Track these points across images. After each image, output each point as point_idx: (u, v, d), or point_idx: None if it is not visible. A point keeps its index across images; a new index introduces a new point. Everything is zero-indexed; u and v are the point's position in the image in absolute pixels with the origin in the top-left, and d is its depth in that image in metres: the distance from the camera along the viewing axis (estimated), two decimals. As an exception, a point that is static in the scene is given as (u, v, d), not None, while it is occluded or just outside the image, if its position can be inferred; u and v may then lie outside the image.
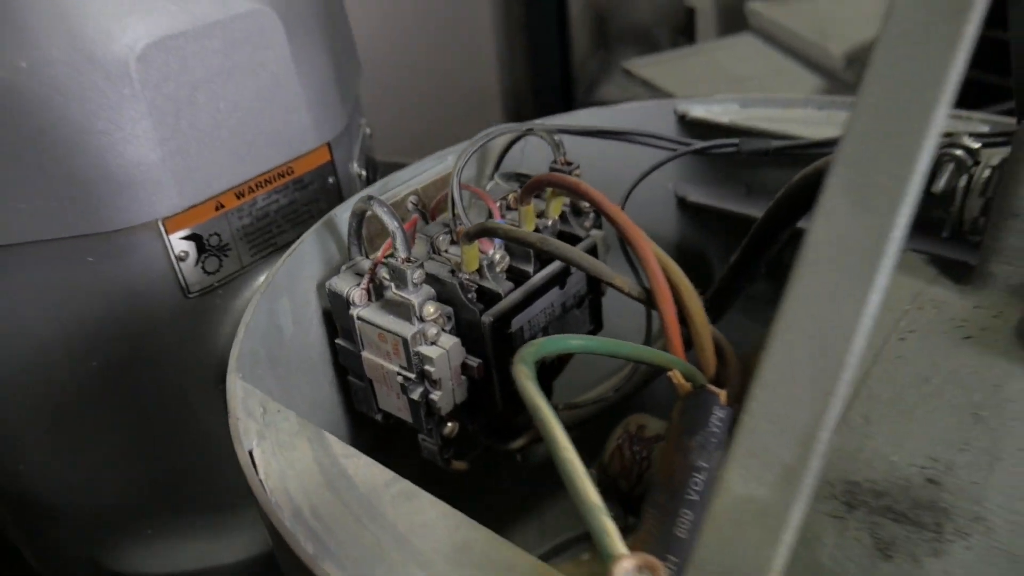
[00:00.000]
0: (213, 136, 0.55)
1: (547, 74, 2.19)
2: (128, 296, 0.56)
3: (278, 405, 0.37)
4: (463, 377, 0.47)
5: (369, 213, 0.47)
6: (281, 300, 0.45)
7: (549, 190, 0.50)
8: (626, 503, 0.48)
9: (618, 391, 0.52)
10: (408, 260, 0.45)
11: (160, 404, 0.61)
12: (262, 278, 0.60)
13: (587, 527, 0.27)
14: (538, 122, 0.55)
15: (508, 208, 0.51)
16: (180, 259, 0.56)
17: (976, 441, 0.30)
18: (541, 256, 0.49)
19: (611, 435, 0.50)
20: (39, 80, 0.50)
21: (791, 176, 0.43)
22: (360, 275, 0.48)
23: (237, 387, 0.37)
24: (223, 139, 0.56)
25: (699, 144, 0.52)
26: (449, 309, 0.46)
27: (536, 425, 0.29)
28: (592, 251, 0.50)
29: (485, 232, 0.43)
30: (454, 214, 0.47)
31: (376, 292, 0.47)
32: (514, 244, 0.47)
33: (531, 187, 0.47)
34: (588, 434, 0.51)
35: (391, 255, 0.45)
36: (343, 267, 0.48)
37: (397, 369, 0.47)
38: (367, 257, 0.49)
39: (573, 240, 0.51)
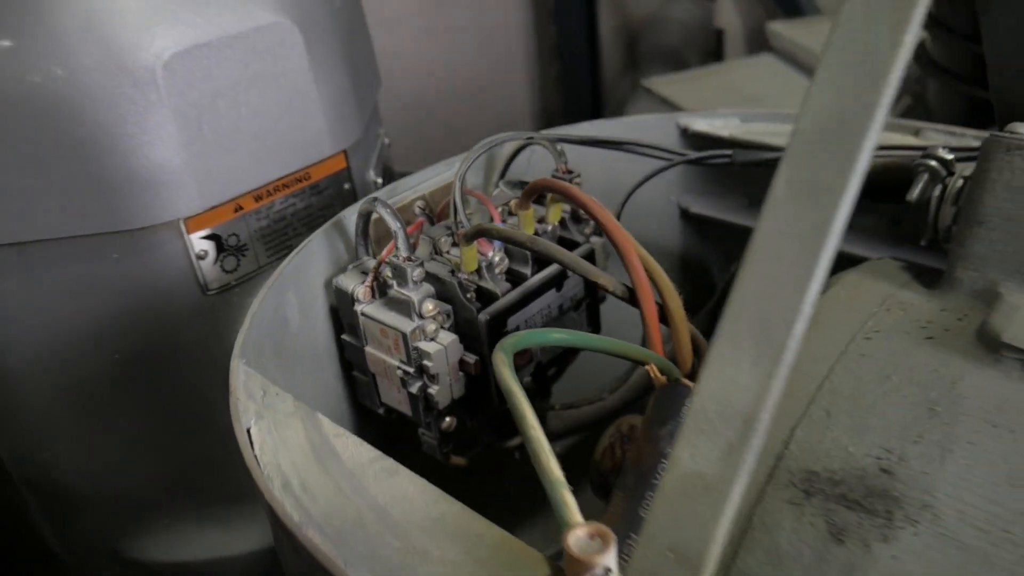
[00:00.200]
0: (233, 141, 0.58)
1: (577, 95, 2.21)
2: (150, 292, 0.59)
3: (277, 389, 0.39)
4: (460, 373, 0.49)
5: (375, 215, 0.49)
6: (288, 294, 0.48)
7: (549, 197, 0.52)
8: (615, 499, 0.50)
9: (612, 392, 0.54)
10: (409, 259, 0.47)
11: (177, 398, 0.64)
12: (276, 277, 0.63)
13: (549, 499, 0.29)
14: (544, 132, 0.57)
15: (510, 213, 0.53)
16: (200, 257, 0.59)
17: (929, 434, 0.31)
18: (539, 260, 0.51)
19: (604, 434, 0.51)
20: (72, 86, 0.53)
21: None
22: (365, 273, 0.50)
23: (240, 370, 0.39)
24: (243, 144, 0.59)
25: (694, 154, 0.54)
26: (448, 307, 0.49)
27: (510, 408, 0.31)
28: (589, 256, 0.52)
29: (480, 233, 0.46)
30: (455, 217, 0.50)
31: (380, 290, 0.50)
32: (513, 247, 0.50)
33: (529, 192, 0.49)
34: (592, 439, 0.52)
35: (395, 255, 0.48)
36: (350, 266, 0.51)
37: (397, 363, 0.49)
38: (373, 257, 0.51)
39: (572, 245, 0.53)
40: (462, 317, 0.49)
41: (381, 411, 0.53)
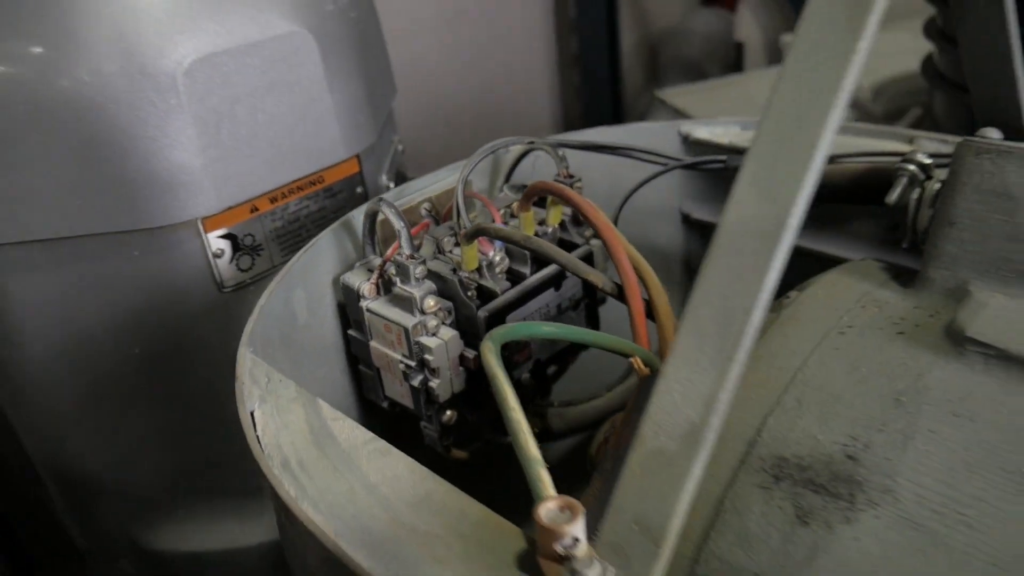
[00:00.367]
0: (250, 145, 0.61)
1: (598, 106, 2.23)
2: (168, 289, 0.62)
3: (281, 376, 0.41)
4: (460, 368, 0.51)
5: (381, 216, 0.52)
6: (297, 290, 0.50)
7: (549, 200, 0.54)
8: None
9: (611, 390, 0.56)
10: (411, 257, 0.49)
11: (193, 392, 0.66)
12: (290, 277, 0.65)
13: (525, 475, 0.30)
14: (547, 138, 0.59)
15: (512, 215, 0.55)
16: (216, 256, 0.62)
17: (894, 423, 0.33)
18: (538, 260, 0.52)
19: (599, 430, 0.53)
20: (98, 91, 0.56)
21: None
22: (372, 271, 0.52)
23: (246, 358, 0.42)
24: (259, 148, 0.61)
25: (689, 159, 0.56)
26: (449, 304, 0.51)
27: (493, 391, 0.33)
28: (587, 258, 0.54)
29: (479, 232, 0.48)
30: (458, 218, 0.52)
31: (385, 287, 0.52)
32: (514, 248, 0.52)
33: (528, 194, 0.51)
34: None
35: (399, 253, 0.50)
36: (357, 264, 0.53)
37: (400, 357, 0.51)
38: (379, 255, 0.53)
39: (571, 247, 0.55)
40: (462, 314, 0.51)
41: (385, 405, 0.55)
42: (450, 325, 0.51)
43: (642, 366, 0.39)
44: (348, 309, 0.53)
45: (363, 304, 0.51)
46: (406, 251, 0.49)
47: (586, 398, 0.58)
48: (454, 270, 0.51)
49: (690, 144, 0.63)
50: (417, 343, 0.50)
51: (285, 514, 0.34)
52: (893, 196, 0.40)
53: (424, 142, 1.77)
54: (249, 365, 0.41)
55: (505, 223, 0.54)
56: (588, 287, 0.55)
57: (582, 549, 0.27)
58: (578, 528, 0.27)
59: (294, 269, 0.50)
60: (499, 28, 2.04)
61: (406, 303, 0.50)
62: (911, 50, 0.96)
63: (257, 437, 0.37)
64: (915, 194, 0.40)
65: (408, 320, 0.49)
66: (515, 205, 0.55)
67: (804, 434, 0.34)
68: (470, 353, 0.50)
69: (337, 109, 0.65)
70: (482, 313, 0.50)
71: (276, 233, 0.65)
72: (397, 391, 0.53)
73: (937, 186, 0.40)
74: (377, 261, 0.52)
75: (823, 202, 0.48)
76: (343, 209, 0.68)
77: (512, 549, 0.30)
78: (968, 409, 0.32)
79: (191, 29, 0.57)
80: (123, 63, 0.56)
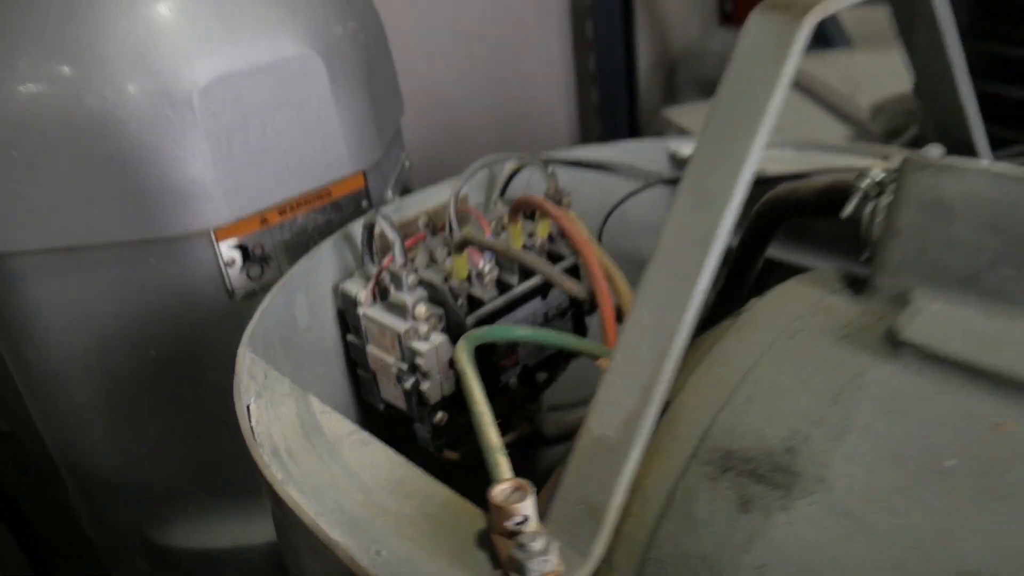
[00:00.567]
0: (260, 160, 0.65)
1: (615, 125, 2.26)
2: (181, 295, 0.66)
3: (277, 373, 0.44)
4: (450, 371, 0.54)
5: (378, 228, 0.55)
6: (298, 295, 0.53)
7: (537, 213, 0.57)
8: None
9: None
10: (404, 266, 0.52)
11: (203, 394, 0.70)
12: (297, 286, 0.69)
13: (485, 461, 0.33)
14: (538, 154, 0.62)
15: (502, 228, 0.58)
16: (228, 265, 0.65)
17: (830, 418, 0.35)
18: (526, 270, 0.56)
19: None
20: (120, 109, 0.60)
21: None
22: (369, 279, 0.55)
23: (246, 356, 0.45)
24: (269, 163, 0.65)
25: (668, 175, 0.59)
26: (440, 310, 0.54)
27: (461, 386, 0.36)
28: (573, 269, 0.57)
29: (466, 242, 0.51)
30: (450, 230, 0.55)
31: (381, 294, 0.55)
32: (502, 258, 0.55)
33: (515, 208, 0.54)
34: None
35: (394, 263, 0.53)
36: (356, 272, 0.56)
37: (393, 361, 0.54)
38: (377, 265, 0.57)
39: (558, 258, 0.58)
40: (452, 320, 0.54)
41: (381, 407, 0.58)
42: (441, 331, 0.54)
43: (608, 366, 0.42)
44: (347, 315, 0.57)
45: (360, 310, 0.55)
46: (399, 261, 0.52)
47: (579, 404, 0.60)
48: (445, 279, 0.54)
49: (677, 161, 0.66)
50: (409, 347, 0.53)
51: (272, 496, 0.37)
52: (847, 210, 0.43)
53: (441, 161, 1.81)
54: (248, 363, 0.44)
55: (496, 235, 0.57)
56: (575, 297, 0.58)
57: (531, 526, 0.30)
58: (528, 507, 0.30)
59: (295, 275, 0.53)
60: (517, 48, 2.09)
61: (399, 310, 0.53)
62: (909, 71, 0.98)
63: (251, 428, 0.40)
64: (868, 208, 0.43)
65: (401, 325, 0.53)
66: (505, 218, 0.58)
67: (750, 429, 0.36)
68: (459, 357, 0.53)
69: (344, 127, 0.69)
70: (470, 320, 0.53)
71: (285, 244, 0.68)
72: (391, 394, 0.57)
73: (888, 200, 0.42)
74: (374, 270, 0.56)
75: (793, 215, 0.51)
76: (349, 222, 0.72)
77: (473, 528, 0.33)
78: (899, 406, 0.35)
79: (207, 51, 0.61)
80: (144, 83, 0.60)
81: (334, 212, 0.71)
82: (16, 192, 0.61)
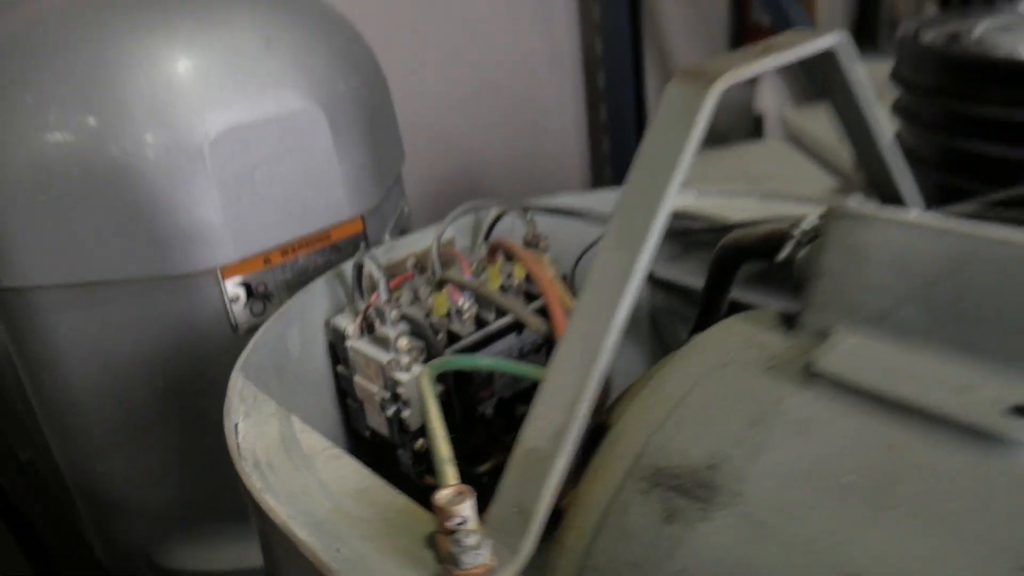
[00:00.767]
0: (265, 205, 0.70)
1: (626, 171, 2.32)
2: (189, 329, 0.71)
3: (265, 396, 0.49)
4: (431, 400, 0.58)
5: (367, 268, 0.60)
6: (291, 328, 0.58)
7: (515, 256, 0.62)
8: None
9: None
10: (388, 302, 0.57)
11: (208, 424, 0.74)
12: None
13: (435, 471, 0.38)
14: (519, 201, 0.67)
15: (483, 269, 0.63)
16: (232, 301, 0.71)
17: (749, 440, 0.39)
18: (500, 307, 0.60)
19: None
20: (139, 158, 0.66)
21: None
22: (358, 315, 0.60)
23: (238, 380, 0.50)
24: (273, 207, 0.71)
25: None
26: (421, 343, 0.58)
27: (422, 408, 0.41)
28: (544, 309, 0.61)
29: (444, 281, 0.56)
30: (433, 270, 0.60)
31: (368, 328, 0.60)
32: (479, 296, 0.59)
33: (491, 250, 0.59)
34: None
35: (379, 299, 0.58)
36: (346, 308, 0.61)
37: (377, 390, 0.58)
38: (364, 301, 0.61)
39: (533, 297, 0.62)
40: (432, 353, 0.58)
41: (367, 434, 0.63)
42: (422, 363, 0.58)
43: (562, 394, 0.46)
44: (337, 347, 0.61)
45: (348, 343, 0.60)
46: (383, 297, 0.57)
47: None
48: (427, 315, 0.59)
49: (652, 209, 0.70)
50: (391, 377, 0.57)
51: (252, 503, 0.41)
52: (782, 255, 0.47)
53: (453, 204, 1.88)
54: (239, 387, 0.49)
55: (476, 275, 0.62)
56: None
57: (469, 526, 0.34)
58: (467, 509, 0.34)
59: (290, 309, 0.58)
60: (531, 99, 2.16)
61: (383, 342, 0.58)
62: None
63: (237, 444, 0.45)
64: (801, 253, 0.47)
65: (384, 357, 0.57)
66: (485, 260, 0.63)
67: (678, 449, 0.40)
68: (438, 386, 0.58)
69: (344, 175, 0.74)
70: (448, 352, 0.57)
71: (286, 283, 0.73)
72: (376, 421, 0.61)
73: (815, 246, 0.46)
74: (362, 306, 0.61)
75: (743, 260, 0.56)
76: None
77: (423, 530, 0.37)
78: (809, 429, 0.39)
79: (218, 105, 0.67)
80: (160, 135, 0.66)
81: (333, 254, 0.76)
82: (41, 231, 0.67)
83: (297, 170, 0.71)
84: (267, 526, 0.40)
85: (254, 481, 0.41)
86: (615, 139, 2.29)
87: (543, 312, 0.60)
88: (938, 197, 0.89)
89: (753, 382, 0.42)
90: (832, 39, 0.42)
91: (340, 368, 0.62)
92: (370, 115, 0.78)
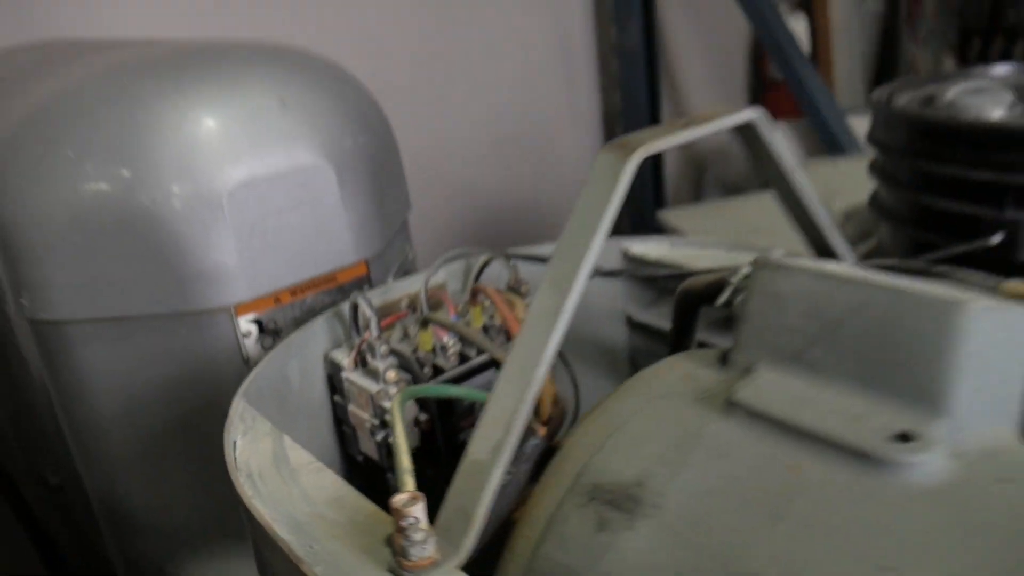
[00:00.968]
0: (276, 249, 0.77)
1: (644, 222, 2.39)
2: (205, 361, 0.78)
3: (262, 418, 0.55)
4: (415, 428, 0.65)
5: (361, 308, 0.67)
6: (292, 360, 0.65)
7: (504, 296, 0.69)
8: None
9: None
10: (378, 338, 0.64)
11: (219, 448, 0.81)
12: (304, 356, 0.80)
13: (397, 479, 0.44)
14: (504, 250, 0.74)
15: (467, 310, 0.69)
16: (244, 336, 0.78)
17: (673, 459, 0.45)
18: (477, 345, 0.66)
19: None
20: (164, 205, 0.74)
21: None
22: (353, 349, 0.67)
23: (240, 404, 0.56)
24: (283, 252, 0.78)
25: (606, 268, 0.70)
26: (408, 376, 0.65)
27: (391, 429, 0.47)
28: (525, 345, 0.68)
29: (427, 320, 0.62)
30: (420, 310, 0.66)
31: (361, 362, 0.66)
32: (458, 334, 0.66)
33: (473, 293, 0.65)
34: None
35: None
36: (343, 343, 0.68)
37: (368, 417, 0.65)
38: (359, 337, 0.68)
39: (511, 337, 0.68)
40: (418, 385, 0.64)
41: (360, 458, 0.69)
42: (409, 393, 0.65)
43: (521, 420, 0.52)
44: (334, 379, 0.68)
45: (343, 374, 0.66)
46: (374, 334, 0.64)
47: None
48: (414, 350, 0.65)
49: (628, 257, 0.77)
50: (380, 406, 0.64)
51: (243, 508, 0.47)
52: (720, 300, 0.53)
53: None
54: (240, 410, 0.56)
55: (462, 316, 0.69)
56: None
57: (420, 525, 0.40)
58: (418, 511, 0.40)
59: (291, 343, 0.65)
60: (551, 150, 2.24)
61: (374, 374, 0.64)
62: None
63: (234, 459, 0.51)
64: (738, 298, 0.53)
65: (374, 387, 0.64)
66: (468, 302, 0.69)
67: (613, 468, 0.46)
68: (422, 416, 0.64)
69: (349, 223, 0.82)
70: (432, 384, 0.63)
71: (295, 321, 0.80)
72: (367, 446, 0.67)
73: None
74: (357, 341, 0.67)
75: (697, 304, 0.62)
76: (351, 303, 0.84)
77: (385, 531, 0.43)
78: (724, 451, 0.44)
79: (236, 160, 0.75)
80: (184, 186, 0.74)
81: (339, 294, 0.83)
82: (76, 270, 0.75)
83: (306, 219, 0.79)
84: (255, 527, 0.46)
85: (246, 490, 0.48)
86: (631, 191, 2.36)
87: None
88: (911, 251, 0.95)
89: (683, 411, 0.48)
90: (749, 114, 0.48)
91: (336, 397, 0.68)
92: (376, 169, 0.86)
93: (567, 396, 0.68)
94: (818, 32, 2.94)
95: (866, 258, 1.04)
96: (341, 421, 0.70)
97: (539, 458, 0.50)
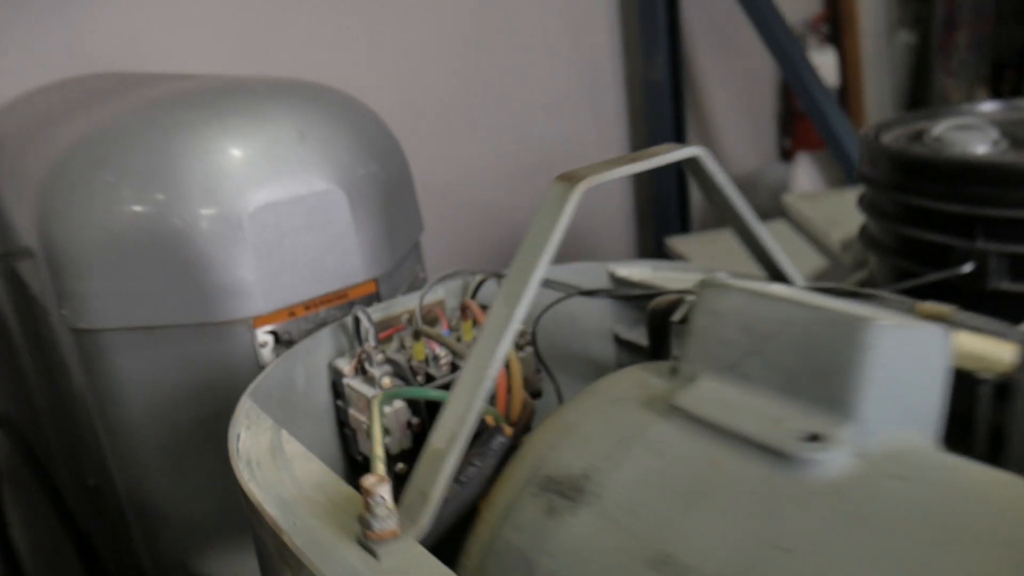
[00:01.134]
0: (292, 267, 0.85)
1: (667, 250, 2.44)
2: (224, 369, 0.85)
3: (265, 415, 0.62)
4: (408, 430, 0.71)
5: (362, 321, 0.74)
6: (297, 365, 0.72)
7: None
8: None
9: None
10: (375, 348, 0.70)
11: (239, 448, 0.88)
12: (315, 366, 0.87)
13: (371, 465, 0.50)
14: (502, 271, 0.80)
15: (459, 325, 0.76)
16: (261, 346, 0.85)
17: (615, 455, 0.50)
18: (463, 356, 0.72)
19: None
20: (192, 226, 0.81)
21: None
22: (354, 358, 0.73)
23: (247, 402, 0.63)
24: (298, 269, 0.85)
25: (585, 288, 0.76)
26: (402, 383, 0.71)
27: (369, 421, 0.53)
28: (509, 359, 0.74)
29: (419, 332, 0.69)
30: (415, 324, 0.73)
31: (361, 369, 0.73)
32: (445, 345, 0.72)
33: (462, 309, 0.72)
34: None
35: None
36: (347, 352, 0.75)
37: (365, 420, 0.71)
38: (359, 346, 0.75)
39: (501, 349, 0.74)
40: (411, 391, 0.71)
41: (360, 458, 0.75)
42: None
43: (492, 421, 0.58)
44: (337, 385, 0.75)
45: (344, 380, 0.73)
46: (371, 343, 0.70)
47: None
48: (408, 360, 0.72)
49: (614, 280, 0.82)
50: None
51: (240, 490, 0.54)
52: (676, 316, 0.59)
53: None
54: (246, 407, 0.63)
55: (455, 330, 0.75)
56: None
57: (385, 503, 0.46)
58: (384, 491, 0.46)
59: (297, 351, 0.72)
60: (572, 163, 2.30)
61: (371, 381, 0.71)
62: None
63: (237, 448, 0.58)
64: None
65: (371, 392, 0.70)
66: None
67: (564, 462, 0.52)
68: (414, 420, 0.70)
69: (360, 245, 0.89)
70: (423, 391, 0.70)
71: (308, 333, 0.87)
72: (366, 447, 0.73)
73: (703, 311, 0.58)
74: (358, 350, 0.74)
75: (663, 320, 0.67)
76: (362, 318, 0.90)
77: (359, 510, 0.49)
78: (663, 450, 0.50)
79: (257, 186, 0.83)
80: (210, 209, 0.82)
81: (350, 310, 0.90)
82: (112, 283, 0.83)
83: (320, 240, 0.86)
84: (249, 507, 0.53)
85: (244, 475, 0.54)
86: (659, 219, 2.41)
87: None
88: (895, 279, 0.99)
89: (630, 414, 0.54)
90: (691, 151, 0.54)
91: (339, 402, 0.75)
92: (386, 195, 0.93)
93: (554, 403, 0.74)
94: (848, 64, 2.97)
95: (860, 287, 1.08)
96: (343, 424, 0.76)
97: (504, 454, 0.56)
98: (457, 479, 0.55)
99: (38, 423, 1.43)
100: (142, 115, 0.85)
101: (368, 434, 0.70)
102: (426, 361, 0.72)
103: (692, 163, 0.56)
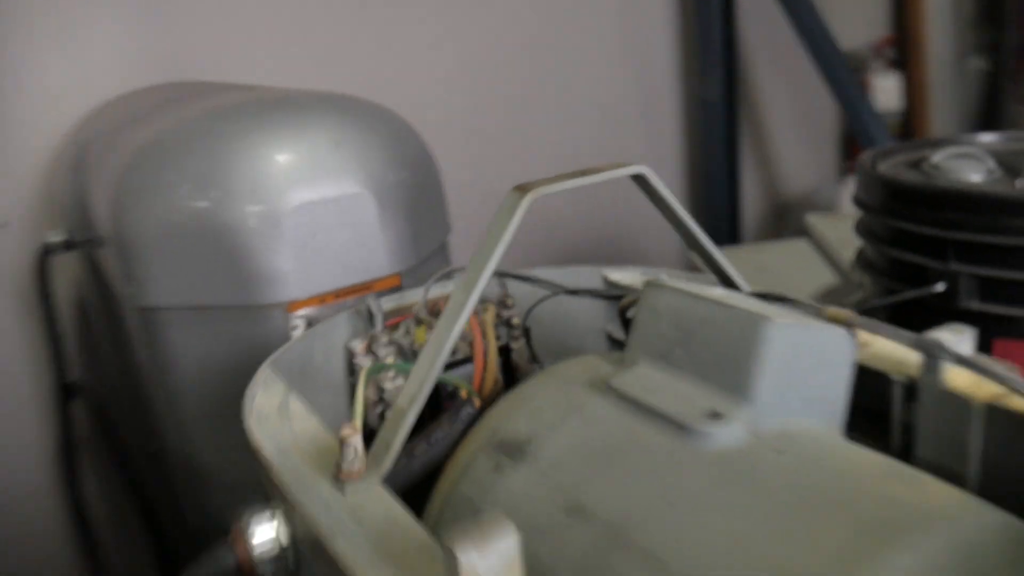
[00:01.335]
0: (324, 259, 0.96)
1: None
2: (261, 347, 0.96)
3: (279, 381, 0.73)
4: (408, 405, 0.81)
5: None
6: (317, 344, 0.83)
7: (482, 306, 0.84)
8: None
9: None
10: (382, 331, 0.81)
11: (273, 418, 1.00)
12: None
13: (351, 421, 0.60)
14: (507, 271, 0.89)
15: (461, 316, 0.85)
16: (293, 328, 0.96)
17: (557, 423, 0.59)
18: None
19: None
20: (240, 222, 0.94)
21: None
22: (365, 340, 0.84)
23: (266, 370, 0.74)
24: (329, 262, 0.96)
25: (571, 287, 0.84)
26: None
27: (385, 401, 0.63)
28: (504, 348, 0.83)
29: (420, 320, 0.79)
30: (418, 312, 0.83)
31: (371, 350, 0.83)
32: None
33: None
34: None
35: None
36: (361, 335, 0.85)
37: (372, 394, 0.82)
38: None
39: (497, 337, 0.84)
40: (412, 371, 0.81)
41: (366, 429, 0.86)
42: (404, 377, 0.81)
43: (464, 394, 0.68)
44: (350, 364, 0.85)
45: (355, 359, 0.83)
46: (378, 328, 0.81)
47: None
48: (412, 343, 0.82)
49: (608, 283, 0.91)
50: (381, 386, 0.80)
51: (248, 440, 0.65)
52: (631, 313, 0.67)
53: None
54: (265, 375, 0.74)
55: (456, 320, 0.85)
56: (505, 363, 0.84)
57: (356, 450, 0.56)
58: (356, 441, 0.56)
59: (316, 330, 0.83)
60: (635, 193, 2.38)
61: (378, 360, 0.81)
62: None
63: (252, 407, 0.69)
64: (643, 313, 0.67)
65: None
66: (463, 309, 0.85)
67: (515, 429, 0.61)
68: (413, 396, 0.80)
69: (386, 242, 0.99)
70: (420, 370, 0.80)
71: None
72: (372, 419, 0.84)
73: (654, 309, 0.66)
74: (369, 334, 0.84)
75: (627, 317, 0.75)
76: (385, 309, 1.01)
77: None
78: (595, 421, 0.58)
79: (295, 187, 0.94)
80: (255, 206, 0.94)
81: (375, 301, 1.00)
82: (171, 267, 0.95)
83: (349, 236, 0.97)
84: (255, 453, 0.63)
85: (252, 427, 0.65)
86: (708, 229, 2.46)
87: (504, 348, 0.81)
88: (883, 297, 1.05)
89: (576, 392, 0.62)
90: (636, 169, 0.63)
91: (351, 378, 0.85)
92: (413, 199, 1.04)
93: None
94: (914, 89, 2.96)
95: (858, 304, 1.14)
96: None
97: (471, 422, 0.65)
98: (428, 441, 0.64)
99: (111, 395, 1.59)
100: (201, 124, 0.98)
101: (374, 409, 0.81)
102: (427, 345, 0.82)
103: (640, 179, 0.64)
